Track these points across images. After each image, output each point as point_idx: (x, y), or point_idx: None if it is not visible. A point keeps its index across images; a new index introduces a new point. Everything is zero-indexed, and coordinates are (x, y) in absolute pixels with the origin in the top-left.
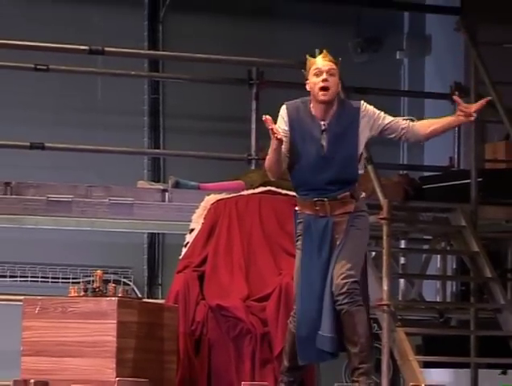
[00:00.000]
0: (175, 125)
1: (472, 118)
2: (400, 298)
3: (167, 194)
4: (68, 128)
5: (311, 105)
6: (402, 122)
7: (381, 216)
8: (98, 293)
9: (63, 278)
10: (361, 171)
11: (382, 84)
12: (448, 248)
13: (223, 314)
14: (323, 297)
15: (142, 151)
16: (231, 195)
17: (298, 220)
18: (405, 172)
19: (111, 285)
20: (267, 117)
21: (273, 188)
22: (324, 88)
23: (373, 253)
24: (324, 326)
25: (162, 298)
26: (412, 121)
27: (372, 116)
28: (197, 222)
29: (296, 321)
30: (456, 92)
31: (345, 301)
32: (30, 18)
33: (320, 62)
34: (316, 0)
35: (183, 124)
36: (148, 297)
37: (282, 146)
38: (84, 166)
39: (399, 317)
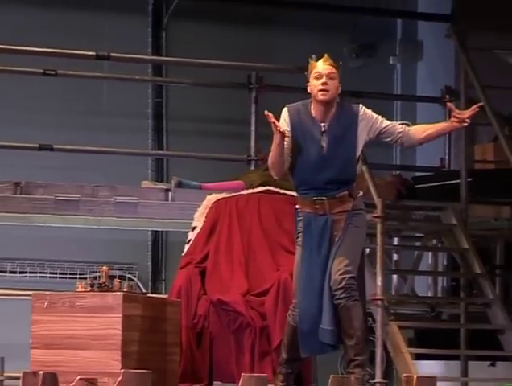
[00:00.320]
0: (178, 128)
1: (466, 124)
2: (393, 293)
3: (170, 193)
4: (75, 130)
5: (312, 107)
6: (398, 127)
7: (375, 215)
8: (104, 288)
9: (70, 274)
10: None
11: (376, 88)
12: (439, 245)
13: (224, 308)
14: (322, 292)
15: (146, 152)
16: (231, 195)
17: (298, 218)
18: (398, 172)
19: (116, 281)
20: (269, 113)
21: (271, 188)
22: (323, 90)
23: (368, 250)
24: (325, 320)
25: (165, 293)
26: (408, 125)
27: (370, 119)
28: (199, 220)
29: (298, 315)
30: (447, 96)
31: (342, 295)
32: (41, 26)
33: (321, 66)
34: (314, 8)
35: (186, 126)
36: (152, 292)
37: (285, 146)
38: (90, 166)
39: (392, 311)
